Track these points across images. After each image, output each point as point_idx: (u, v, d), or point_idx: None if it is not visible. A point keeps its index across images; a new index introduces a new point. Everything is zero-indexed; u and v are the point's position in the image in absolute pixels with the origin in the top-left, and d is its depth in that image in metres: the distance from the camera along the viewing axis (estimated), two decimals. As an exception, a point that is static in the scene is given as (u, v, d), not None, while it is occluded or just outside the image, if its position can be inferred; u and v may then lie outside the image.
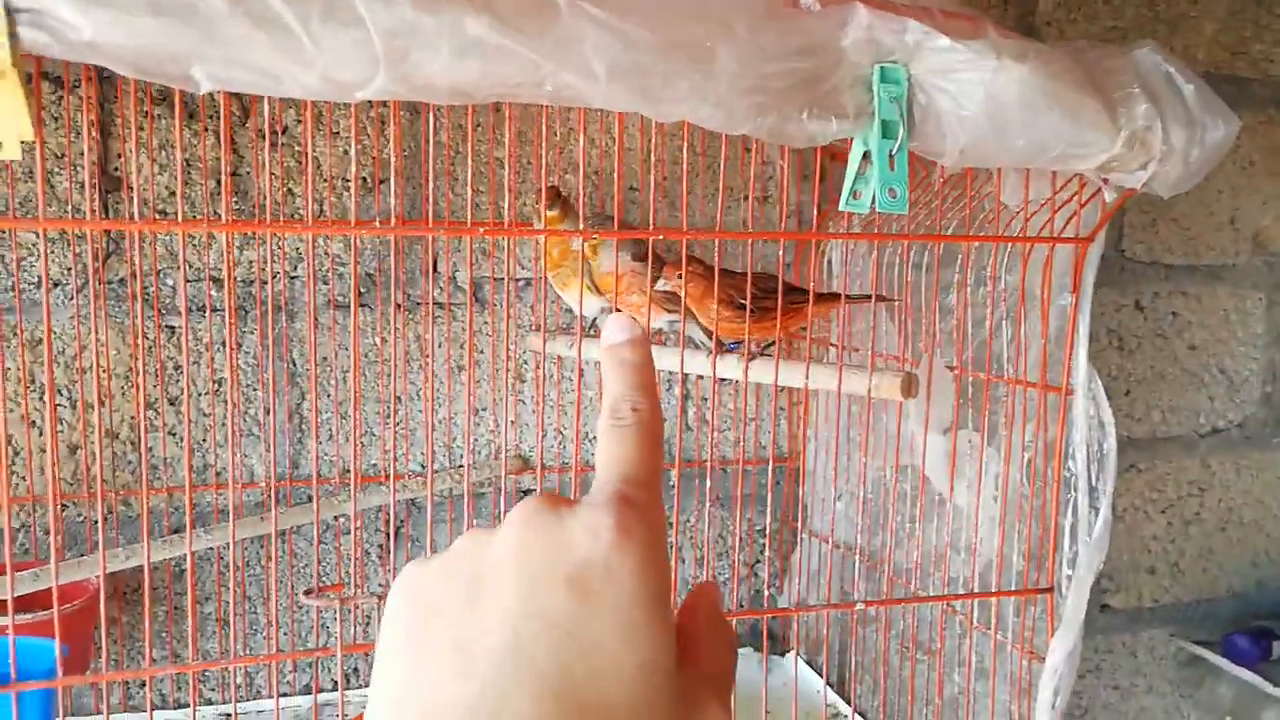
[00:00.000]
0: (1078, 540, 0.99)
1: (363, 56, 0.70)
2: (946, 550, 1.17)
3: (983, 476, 1.10)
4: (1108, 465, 0.96)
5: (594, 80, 0.75)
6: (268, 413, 1.33)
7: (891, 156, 0.83)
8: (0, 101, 0.67)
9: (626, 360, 0.38)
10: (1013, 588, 1.06)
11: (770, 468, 1.53)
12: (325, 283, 1.32)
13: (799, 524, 1.52)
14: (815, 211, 1.36)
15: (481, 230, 0.89)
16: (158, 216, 1.26)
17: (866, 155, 0.86)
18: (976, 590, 1.09)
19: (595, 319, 1.34)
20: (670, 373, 1.45)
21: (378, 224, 1.29)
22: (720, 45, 0.77)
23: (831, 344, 1.41)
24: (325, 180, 1.31)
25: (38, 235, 1.21)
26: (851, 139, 0.87)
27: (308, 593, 0.93)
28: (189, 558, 0.98)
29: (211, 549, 1.30)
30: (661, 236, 0.97)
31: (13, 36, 0.65)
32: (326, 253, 1.32)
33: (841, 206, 0.88)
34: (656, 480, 0.35)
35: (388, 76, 0.71)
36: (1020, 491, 1.07)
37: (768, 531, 1.30)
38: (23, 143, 0.70)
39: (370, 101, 1.30)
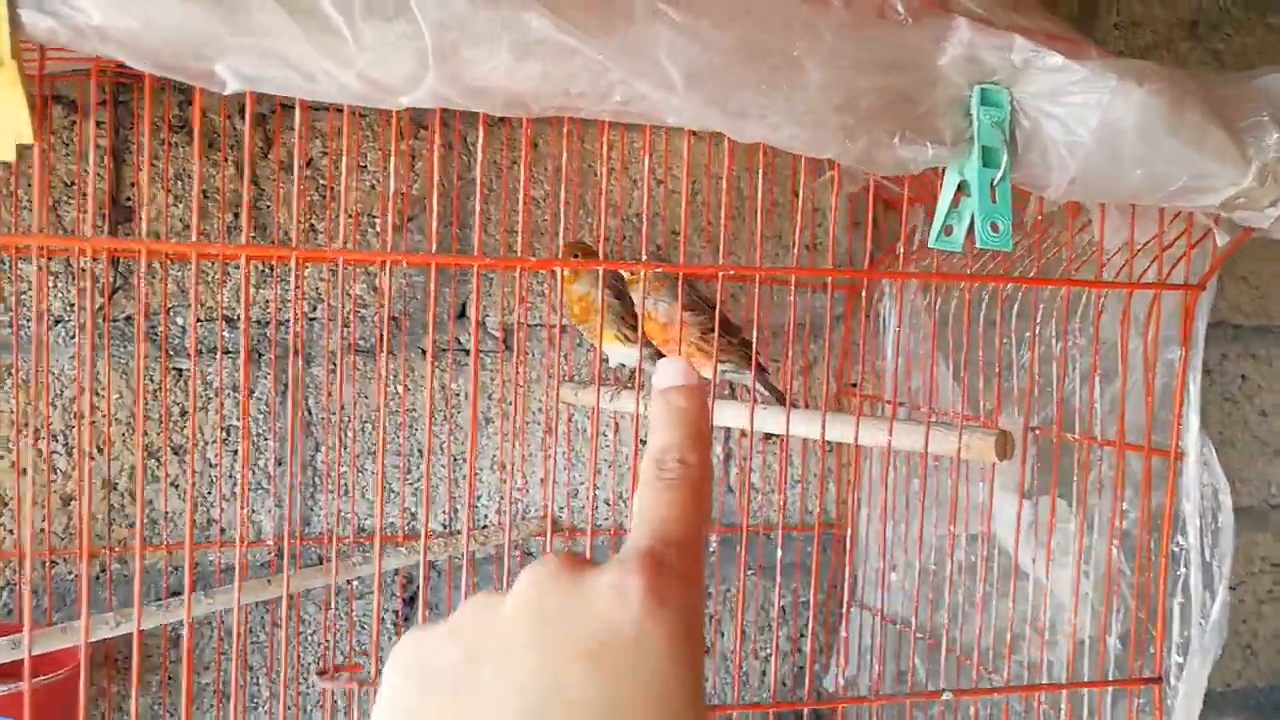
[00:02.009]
0: (1190, 623, 0.88)
1: (410, 53, 0.61)
2: (1025, 630, 1.06)
3: (1070, 549, 0.99)
4: (1224, 539, 0.85)
5: (669, 90, 0.66)
6: (279, 464, 1.23)
7: (993, 187, 0.74)
8: (-5, 95, 0.58)
9: (679, 407, 0.36)
10: (1109, 676, 0.94)
11: (817, 533, 1.42)
12: (346, 325, 1.23)
13: (848, 596, 1.40)
14: (867, 261, 1.27)
15: (530, 263, 0.79)
16: (171, 252, 1.17)
17: (961, 187, 0.77)
18: (1067, 679, 0.97)
19: (631, 369, 1.25)
20: (716, 428, 1.35)
21: (409, 253, 1.20)
22: (808, 56, 0.69)
23: (886, 400, 1.31)
24: (350, 216, 1.22)
25: (39, 267, 1.12)
26: (941, 170, 0.78)
27: (321, 673, 0.82)
28: (186, 623, 0.87)
29: (212, 614, 1.19)
30: (690, 275, 0.87)
31: (13, 21, 0.57)
32: (348, 293, 1.23)
33: (932, 243, 0.79)
34: (698, 544, 0.32)
35: (437, 77, 0.63)
36: (1116, 567, 0.96)
37: (813, 603, 1.19)
38: (25, 155, 0.61)
39: (401, 133, 1.22)
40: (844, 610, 1.40)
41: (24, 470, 1.14)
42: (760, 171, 0.77)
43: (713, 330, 1.08)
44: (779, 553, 0.92)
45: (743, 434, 1.36)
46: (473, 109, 0.66)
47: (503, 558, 1.31)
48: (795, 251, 0.82)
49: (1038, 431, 1.01)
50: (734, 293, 1.35)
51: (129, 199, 1.16)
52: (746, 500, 1.39)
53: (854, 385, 1.40)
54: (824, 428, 0.83)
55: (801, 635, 1.44)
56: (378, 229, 1.23)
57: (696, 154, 1.33)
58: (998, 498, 1.06)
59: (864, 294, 1.38)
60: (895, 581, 1.30)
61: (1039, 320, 0.95)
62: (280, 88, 0.63)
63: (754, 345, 0.86)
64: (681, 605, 0.29)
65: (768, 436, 1.36)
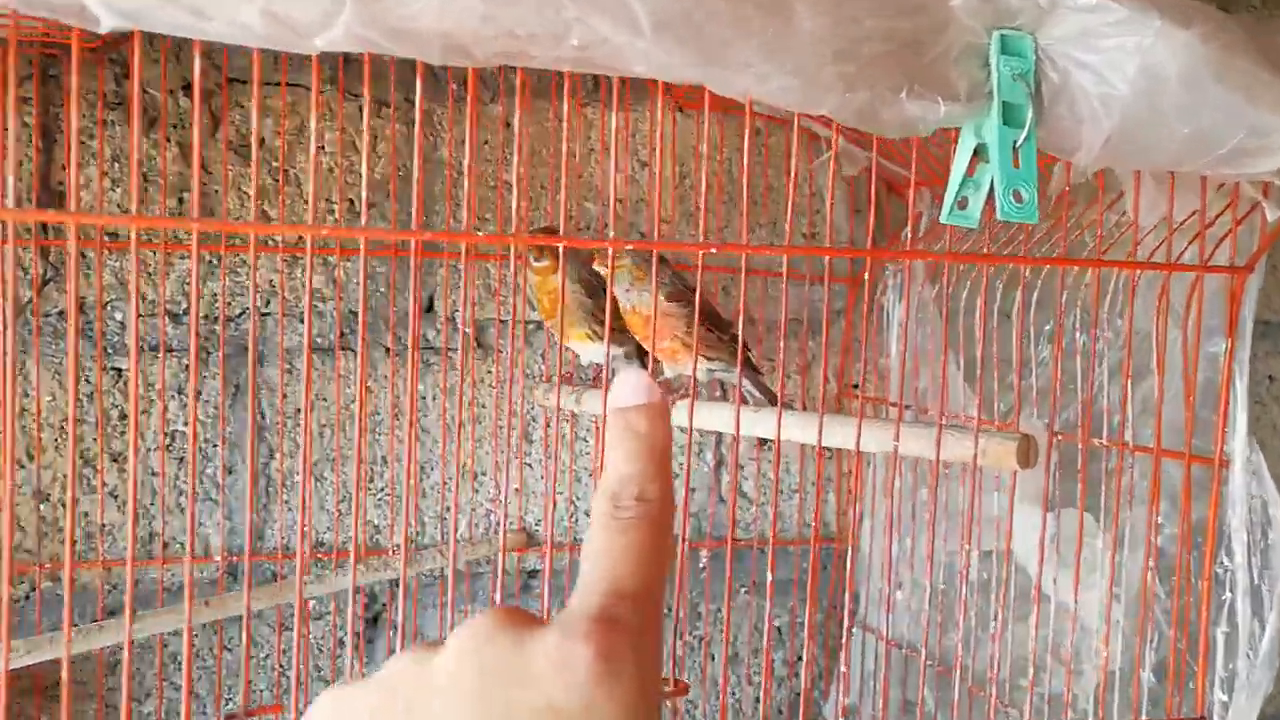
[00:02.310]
0: (1236, 655, 0.78)
1: (320, -19, 0.51)
2: (1048, 660, 0.95)
3: (1099, 568, 0.89)
4: (1275, 558, 0.75)
5: (636, 32, 0.56)
6: (229, 473, 1.12)
7: (1015, 150, 0.64)
8: None
9: (639, 432, 0.32)
10: (1144, 715, 0.84)
11: (814, 548, 1.32)
12: (301, 321, 1.13)
13: (849, 616, 1.29)
14: (871, 246, 1.17)
15: (478, 237, 0.69)
16: (107, 239, 1.07)
17: (978, 152, 0.67)
18: (1096, 716, 0.87)
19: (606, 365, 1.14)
20: (702, 433, 1.25)
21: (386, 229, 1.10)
22: (799, -6, 0.58)
23: (891, 403, 1.21)
24: (306, 202, 1.12)
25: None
26: (956, 131, 0.68)
27: (230, 718, 0.72)
28: (127, 646, 0.76)
29: (153, 637, 1.09)
30: (668, 252, 0.76)
31: None
32: (303, 284, 1.13)
33: (945, 218, 0.69)
34: (657, 592, 0.29)
35: (354, 15, 0.53)
36: (1151, 590, 0.85)
37: (809, 624, 1.09)
38: None
39: (360, 110, 1.12)
40: (845, 632, 1.29)
41: (-55, 479, 1.03)
42: (745, 149, 0.67)
43: (702, 325, 0.98)
44: (770, 571, 0.81)
45: (735, 439, 1.25)
46: (402, 54, 0.56)
47: (477, 574, 1.21)
48: (788, 229, 0.72)
49: (1061, 436, 0.90)
50: (725, 285, 1.25)
51: (60, 183, 1.06)
52: (729, 513, 1.29)
53: (855, 386, 1.29)
54: (821, 432, 0.72)
55: (799, 659, 1.33)
56: (336, 215, 1.13)
57: (685, 133, 1.23)
58: (1017, 510, 0.95)
59: (867, 281, 1.28)
60: (901, 601, 1.19)
61: (1063, 309, 0.85)
62: (170, 27, 0.53)
63: (740, 339, 0.76)
64: (635, 671, 0.26)
65: (763, 442, 1.25)
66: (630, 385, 0.33)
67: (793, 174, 0.69)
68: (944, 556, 1.13)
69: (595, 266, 0.98)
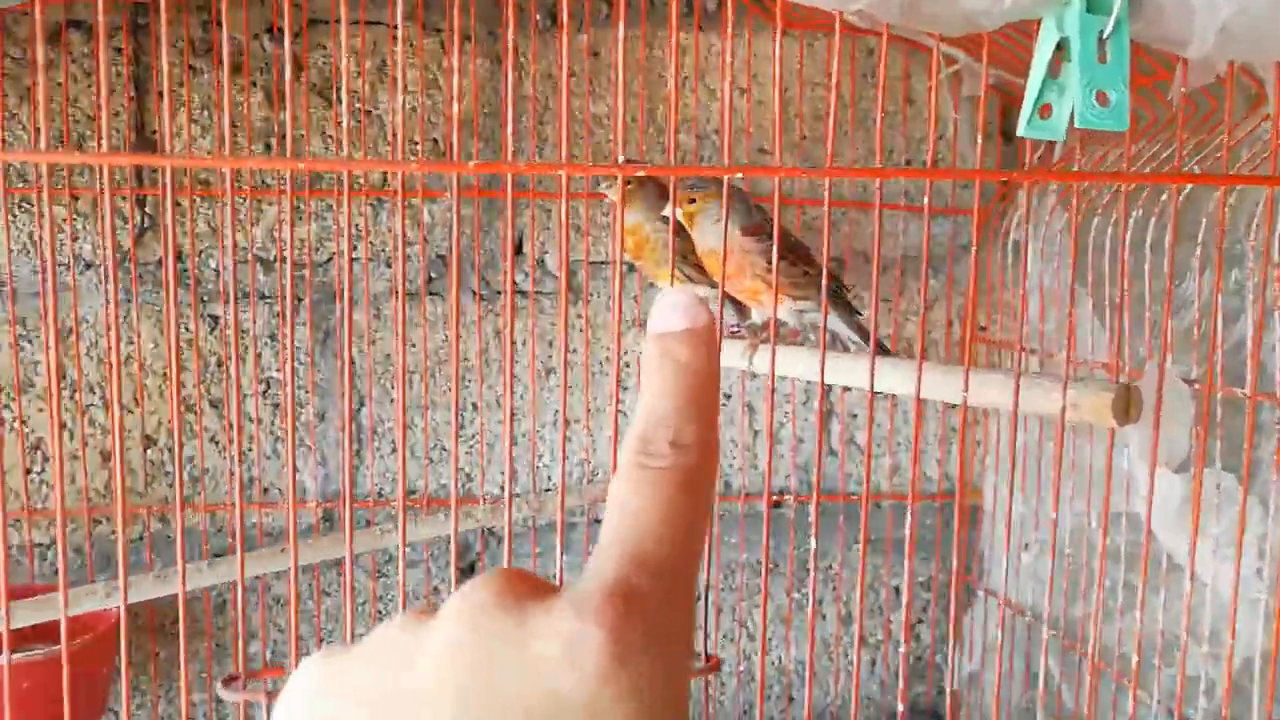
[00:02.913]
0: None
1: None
2: (1182, 636, 0.83)
3: (1240, 536, 0.76)
4: None
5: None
6: (320, 420, 1.13)
7: (1102, 43, 0.53)
8: None
9: (679, 363, 0.27)
10: (1287, 706, 0.72)
11: (938, 505, 1.22)
12: (387, 265, 1.11)
13: (974, 578, 1.19)
14: (997, 180, 1.05)
15: (521, 167, 0.63)
16: (199, 186, 1.08)
17: (1061, 46, 0.56)
18: (1226, 702, 0.75)
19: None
20: (808, 382, 1.17)
21: (471, 165, 1.06)
22: None
23: (1025, 348, 1.09)
24: (388, 143, 1.09)
25: (66, 208, 1.05)
26: (1037, 23, 0.57)
27: (228, 681, 0.70)
28: (239, 587, 0.77)
29: (254, 580, 1.11)
30: (740, 175, 0.68)
31: None
32: (388, 229, 1.11)
33: (1022, 129, 0.58)
34: (688, 563, 0.24)
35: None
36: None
37: (934, 585, 1.00)
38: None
39: (441, 47, 1.08)
40: (969, 595, 1.19)
41: (62, 424, 1.08)
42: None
43: (782, 259, 0.90)
44: (889, 528, 0.73)
45: (845, 388, 1.16)
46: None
47: (571, 524, 1.17)
48: (878, 149, 0.63)
49: (1199, 386, 0.78)
50: (835, 220, 1.15)
51: (154, 132, 1.07)
52: (835, 468, 1.21)
53: (982, 329, 1.18)
54: (920, 382, 0.63)
55: (919, 621, 1.24)
56: (419, 155, 1.09)
57: (789, 57, 1.13)
58: (1145, 468, 0.83)
59: (995, 217, 1.15)
60: (1027, 565, 1.08)
61: (1223, 232, 0.72)
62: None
63: (826, 272, 0.67)
64: (653, 661, 0.22)
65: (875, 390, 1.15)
66: (671, 306, 0.27)
67: (881, 86, 0.60)
68: (1073, 519, 1.02)
69: (666, 211, 0.91)
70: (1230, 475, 0.78)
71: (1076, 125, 0.53)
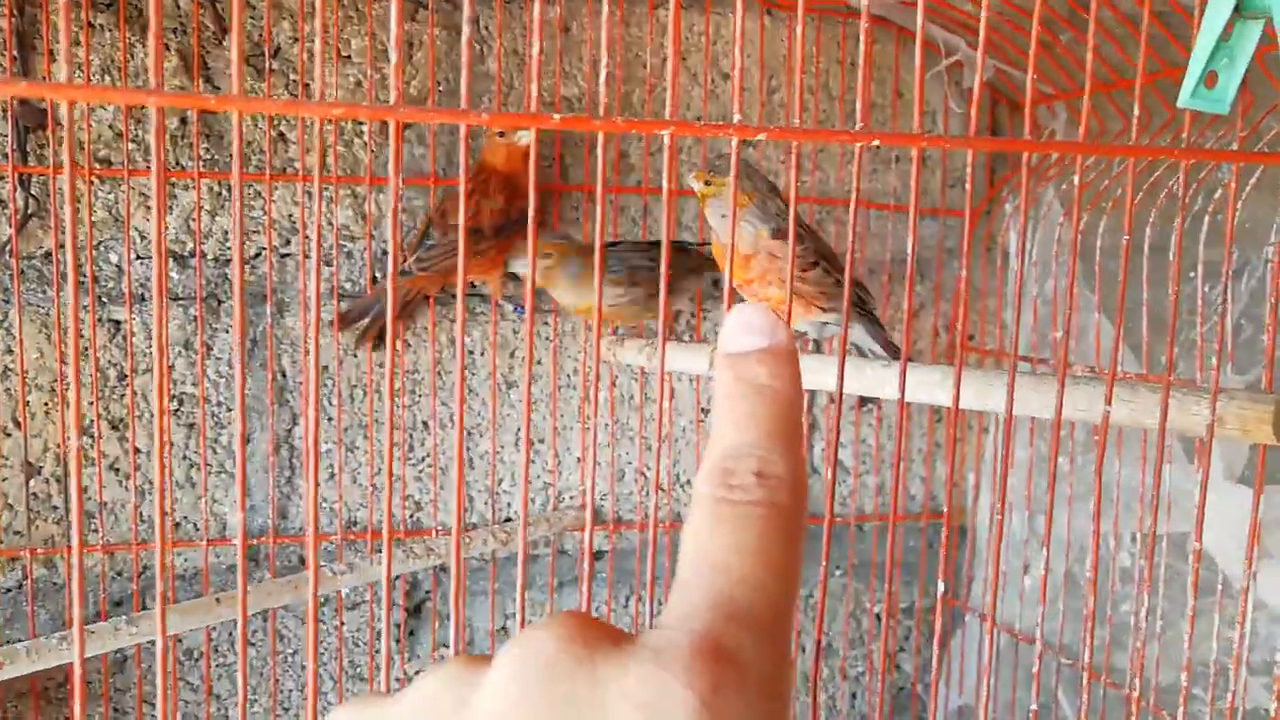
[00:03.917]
0: None
1: None
2: (1231, 663, 0.78)
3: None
4: None
5: None
6: (246, 442, 0.96)
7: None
8: None
9: (758, 385, 0.24)
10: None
11: (921, 526, 1.14)
12: (328, 264, 0.96)
13: (960, 602, 1.12)
14: (988, 177, 0.99)
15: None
16: (97, 165, 0.91)
17: (1240, 7, 0.48)
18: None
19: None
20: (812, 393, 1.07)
21: (484, 116, 0.93)
22: None
23: (1022, 357, 1.02)
24: (330, 121, 0.95)
25: (-75, 189, 0.86)
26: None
27: None
28: (158, 645, 0.61)
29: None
30: (763, 135, 0.57)
31: None
32: (329, 222, 0.96)
33: (1183, 100, 0.50)
34: (787, 616, 0.21)
35: None
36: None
37: (917, 611, 0.92)
38: None
39: (389, 12, 0.94)
40: (955, 620, 1.12)
41: (-81, 450, 0.89)
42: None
43: (814, 266, 0.80)
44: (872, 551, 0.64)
45: (830, 399, 1.08)
46: None
47: (534, 556, 1.04)
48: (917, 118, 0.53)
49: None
50: (820, 218, 1.07)
51: (41, 101, 0.89)
52: (816, 486, 1.12)
53: (970, 339, 1.11)
54: (1010, 397, 0.54)
55: (901, 650, 1.16)
56: (365, 138, 0.95)
57: (773, 39, 1.04)
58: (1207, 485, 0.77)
59: (985, 219, 1.09)
60: (1029, 588, 1.02)
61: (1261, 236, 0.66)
62: None
63: (848, 280, 0.56)
64: None
65: (862, 402, 1.08)
66: (744, 325, 0.25)
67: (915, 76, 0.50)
68: (1081, 537, 0.96)
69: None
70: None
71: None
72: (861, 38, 0.45)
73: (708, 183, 0.78)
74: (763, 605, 0.21)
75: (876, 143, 0.48)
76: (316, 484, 0.41)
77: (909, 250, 0.48)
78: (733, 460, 0.23)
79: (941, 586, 0.52)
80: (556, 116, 0.44)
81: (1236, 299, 0.86)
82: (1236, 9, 0.49)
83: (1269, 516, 0.75)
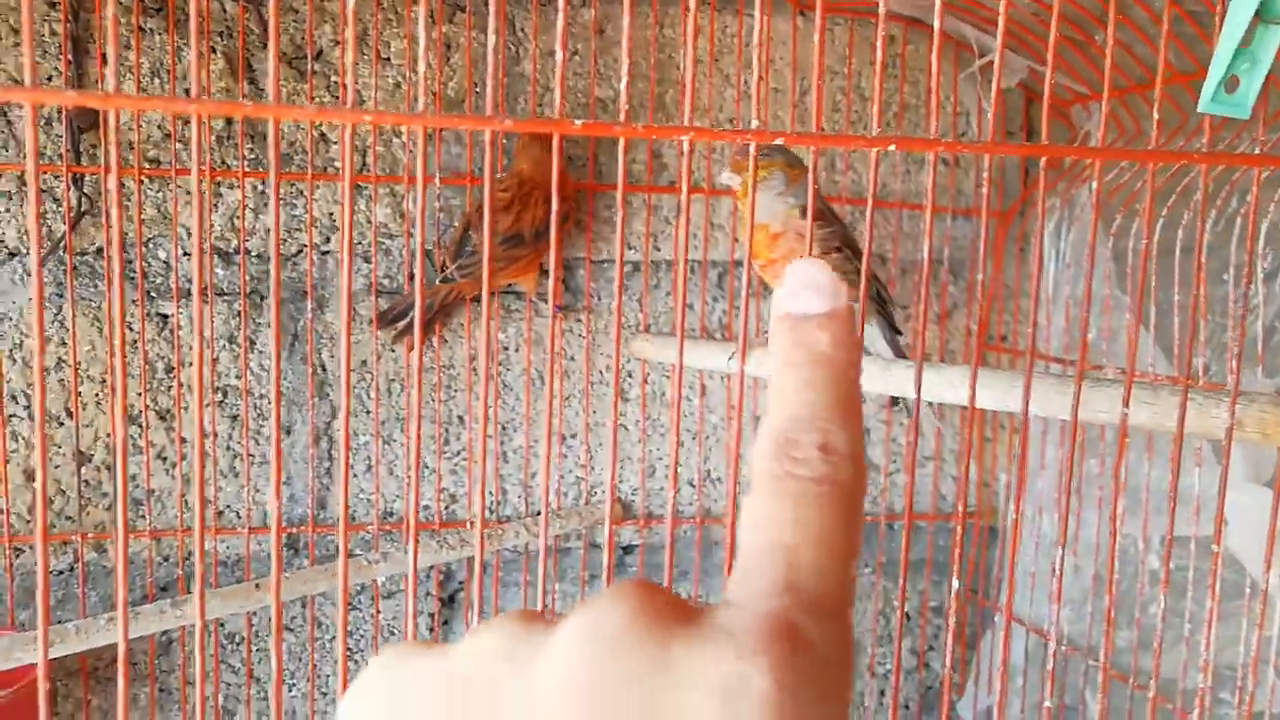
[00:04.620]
0: None
1: None
2: (1269, 671, 0.78)
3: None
4: None
5: None
6: (287, 434, 0.99)
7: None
8: None
9: (820, 352, 0.22)
10: None
11: (956, 525, 1.14)
12: (367, 261, 0.99)
13: (991, 602, 1.13)
14: (1022, 177, 0.98)
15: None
16: (146, 165, 0.94)
17: (1262, 11, 0.49)
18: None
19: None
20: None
21: (508, 122, 0.95)
22: None
23: (1054, 358, 1.02)
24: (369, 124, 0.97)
25: (-15, 187, 0.90)
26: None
27: None
28: (197, 630, 0.64)
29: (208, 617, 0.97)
30: (756, 141, 0.58)
31: None
32: (369, 220, 0.98)
33: (1204, 105, 0.51)
34: (847, 599, 0.20)
35: None
36: None
37: (949, 608, 0.92)
38: None
39: (433, 16, 0.96)
40: (985, 619, 1.12)
41: (-23, 438, 0.92)
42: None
43: (836, 250, 0.81)
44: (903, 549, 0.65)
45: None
46: None
47: (565, 549, 1.06)
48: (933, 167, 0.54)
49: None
50: (853, 221, 1.07)
51: (95, 101, 0.92)
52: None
53: (1003, 339, 1.11)
54: (1027, 397, 0.55)
55: (930, 648, 1.17)
56: (404, 139, 0.98)
57: (806, 40, 1.05)
58: (1237, 489, 0.77)
59: (1019, 217, 1.09)
60: (1063, 591, 1.02)
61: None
62: None
63: (866, 273, 0.56)
64: (821, 713, 0.18)
65: (894, 401, 1.08)
66: (807, 283, 0.23)
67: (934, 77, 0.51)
68: (1108, 539, 0.96)
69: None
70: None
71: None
72: (879, 43, 0.46)
73: (760, 165, 0.79)
74: (829, 587, 0.20)
75: (893, 147, 0.49)
76: (348, 474, 0.43)
77: (925, 253, 0.49)
78: (795, 433, 0.22)
79: (956, 584, 0.53)
80: (578, 123, 0.45)
81: (1271, 301, 0.85)
82: (1258, 14, 0.49)
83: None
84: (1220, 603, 0.84)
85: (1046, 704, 0.59)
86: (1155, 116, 0.52)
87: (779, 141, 0.50)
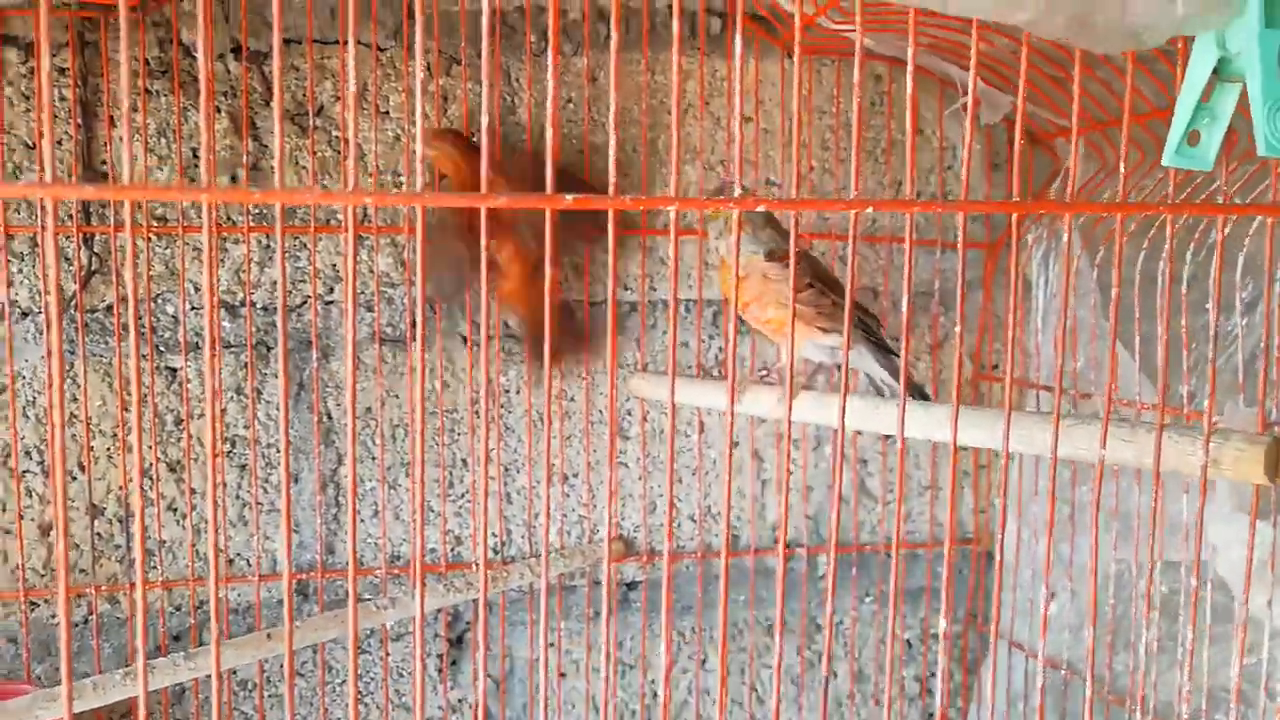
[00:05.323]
0: None
1: None
2: (1260, 696, 0.79)
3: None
4: None
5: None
6: (294, 481, 1.01)
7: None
8: None
9: None
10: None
11: (947, 552, 1.16)
12: (369, 310, 1.01)
13: (990, 628, 1.14)
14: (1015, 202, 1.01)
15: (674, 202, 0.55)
16: (154, 223, 0.96)
17: (1219, 69, 0.51)
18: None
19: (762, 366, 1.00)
20: (818, 427, 1.10)
21: (502, 200, 0.98)
22: None
23: (1042, 386, 1.04)
24: (369, 175, 1.00)
25: (-3, 249, 0.92)
26: (1186, 42, 0.52)
27: None
28: (214, 678, 0.66)
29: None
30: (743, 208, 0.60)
31: None
32: (371, 270, 1.01)
33: (1167, 159, 0.53)
34: None
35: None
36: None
37: (946, 635, 0.94)
38: None
39: (429, 71, 0.99)
40: (984, 645, 1.14)
41: (-8, 494, 0.94)
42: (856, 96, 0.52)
43: (808, 287, 0.83)
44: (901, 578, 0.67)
45: (857, 432, 1.10)
46: None
47: (570, 587, 1.08)
48: (910, 180, 0.56)
49: (1278, 428, 0.74)
50: (842, 254, 1.09)
51: (103, 162, 0.95)
52: (842, 514, 1.15)
53: (994, 368, 1.13)
54: (1007, 433, 0.57)
55: (931, 674, 1.18)
56: (404, 187, 1.00)
57: (791, 85, 1.07)
58: (1218, 517, 0.79)
59: (1013, 242, 1.12)
60: (1054, 614, 1.04)
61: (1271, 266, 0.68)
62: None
63: (850, 303, 0.58)
64: None
65: (888, 434, 1.10)
66: None
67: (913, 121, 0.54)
68: (1109, 566, 0.97)
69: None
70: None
71: (1261, 154, 0.47)
72: (855, 110, 0.49)
73: (712, 212, 0.82)
74: None
75: (870, 209, 0.51)
76: (355, 520, 0.45)
77: (905, 296, 0.51)
78: None
79: (944, 624, 0.55)
80: (569, 197, 0.47)
81: (1251, 330, 0.87)
82: (1216, 71, 0.51)
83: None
84: (1213, 626, 0.86)
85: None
86: (1121, 169, 0.54)
87: (760, 209, 0.52)
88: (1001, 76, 1.00)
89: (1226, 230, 0.58)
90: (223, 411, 0.99)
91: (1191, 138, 0.53)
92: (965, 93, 1.02)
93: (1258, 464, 0.54)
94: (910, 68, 0.50)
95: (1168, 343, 0.67)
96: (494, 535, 1.05)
